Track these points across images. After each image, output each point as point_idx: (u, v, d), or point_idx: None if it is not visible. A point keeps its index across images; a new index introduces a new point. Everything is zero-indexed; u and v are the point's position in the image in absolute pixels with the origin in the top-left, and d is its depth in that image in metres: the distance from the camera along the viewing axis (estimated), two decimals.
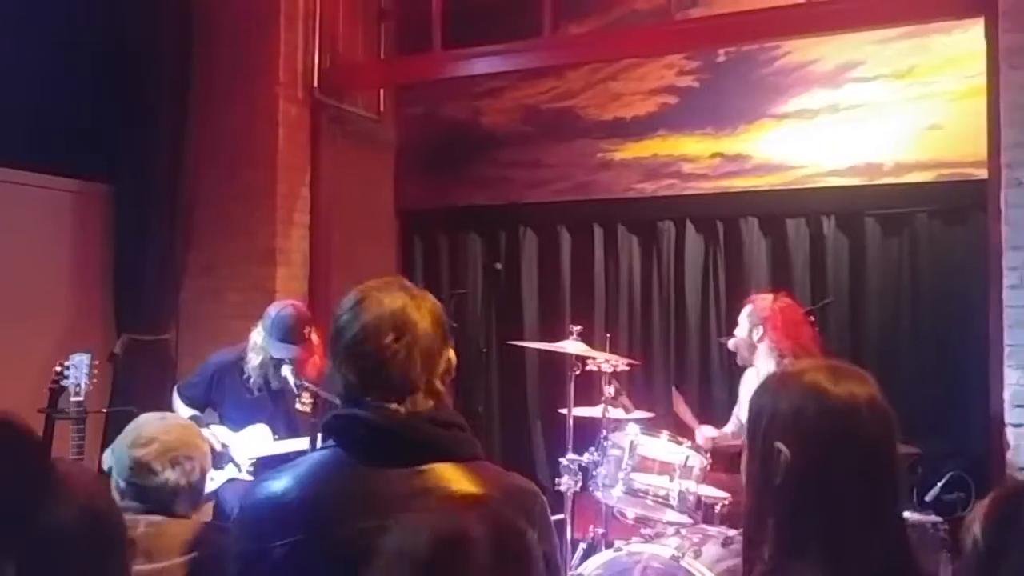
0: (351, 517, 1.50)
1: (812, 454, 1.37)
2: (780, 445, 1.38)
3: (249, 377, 3.87)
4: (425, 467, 1.54)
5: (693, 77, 5.61)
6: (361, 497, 1.51)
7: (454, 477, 1.55)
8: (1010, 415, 3.83)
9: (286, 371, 3.70)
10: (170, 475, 2.08)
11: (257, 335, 3.86)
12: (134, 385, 5.02)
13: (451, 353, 1.65)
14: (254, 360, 3.84)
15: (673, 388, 4.74)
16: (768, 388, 1.48)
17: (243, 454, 3.89)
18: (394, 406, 1.55)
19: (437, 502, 1.51)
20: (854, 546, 1.33)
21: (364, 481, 1.52)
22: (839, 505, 1.34)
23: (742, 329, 4.07)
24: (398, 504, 1.50)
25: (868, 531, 1.34)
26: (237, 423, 3.92)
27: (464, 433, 1.62)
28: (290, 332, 3.76)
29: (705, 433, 4.15)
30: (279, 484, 1.55)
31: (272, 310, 3.88)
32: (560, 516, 3.77)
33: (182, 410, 3.96)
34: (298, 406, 3.77)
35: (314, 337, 3.84)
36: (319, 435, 2.74)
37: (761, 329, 3.98)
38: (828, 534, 1.34)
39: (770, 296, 4.16)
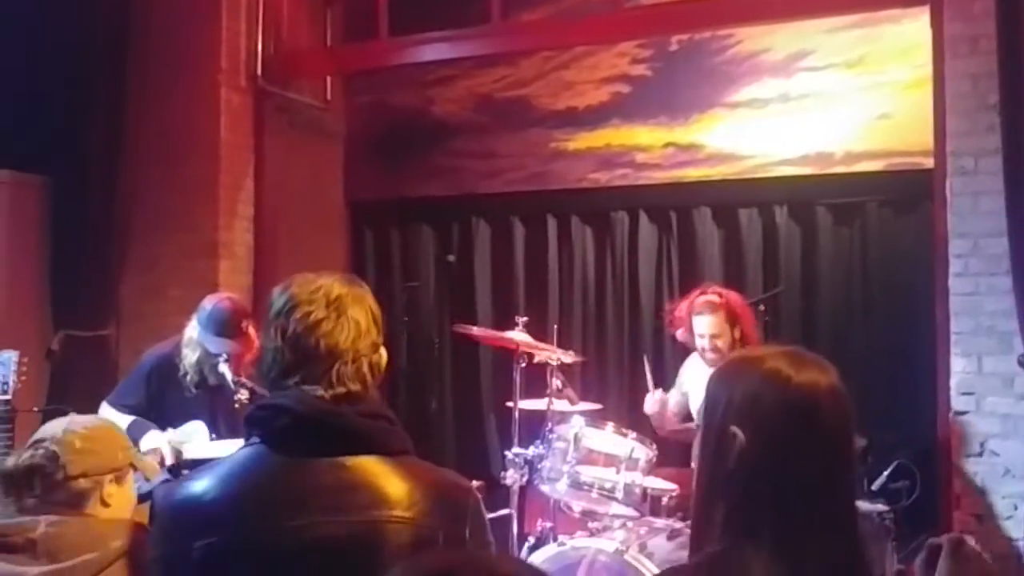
0: (274, 515, 1.46)
1: (769, 441, 1.34)
2: (735, 429, 1.35)
3: (185, 374, 3.73)
4: (351, 460, 1.49)
5: (646, 66, 5.56)
6: (285, 493, 1.47)
7: (381, 473, 1.50)
8: (956, 403, 3.83)
9: (223, 367, 3.58)
10: (69, 472, 1.96)
11: (192, 329, 3.70)
12: (72, 383, 4.88)
13: (383, 351, 1.62)
14: (190, 356, 3.67)
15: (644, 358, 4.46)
16: (727, 372, 1.45)
17: (184, 455, 3.73)
18: (319, 391, 1.51)
19: (364, 503, 1.47)
20: (805, 535, 1.31)
21: (288, 476, 1.48)
22: (792, 494, 1.32)
23: (727, 335, 3.83)
24: (325, 501, 1.46)
25: (820, 521, 1.32)
26: (174, 423, 3.78)
27: (393, 427, 1.57)
28: (225, 326, 3.60)
29: (657, 396, 4.07)
30: (199, 484, 1.52)
31: (207, 303, 3.71)
32: (507, 511, 3.71)
33: (119, 419, 3.76)
34: (237, 404, 3.64)
35: (251, 331, 3.71)
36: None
37: (738, 328, 3.89)
38: (780, 522, 1.32)
39: (727, 292, 4.07)
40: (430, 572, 1.04)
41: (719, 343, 3.86)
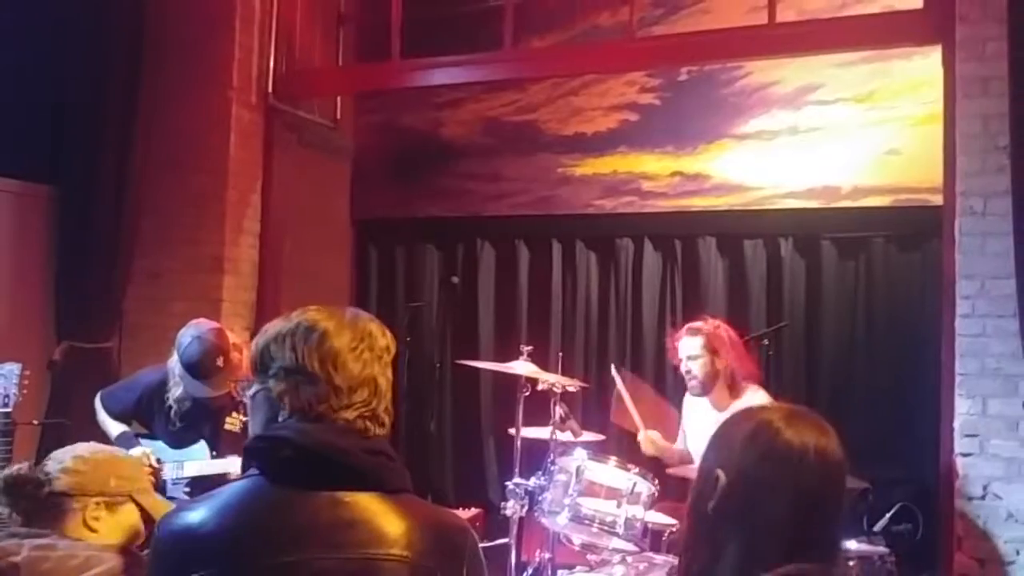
0: (270, 549, 1.45)
1: (745, 487, 1.41)
2: (719, 472, 1.42)
3: (172, 407, 3.53)
4: (350, 496, 1.49)
5: (654, 95, 5.58)
6: (281, 528, 1.47)
7: (379, 511, 1.50)
8: (959, 444, 3.81)
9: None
10: (53, 488, 1.96)
11: (175, 362, 3.51)
12: (73, 395, 4.83)
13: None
14: (175, 391, 3.51)
15: (613, 368, 4.30)
16: (728, 421, 1.53)
17: (183, 471, 3.67)
18: (351, 415, 1.53)
19: (361, 540, 1.46)
20: None
21: (285, 510, 1.48)
22: (760, 541, 1.38)
23: (704, 361, 3.86)
24: (321, 537, 1.46)
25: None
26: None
27: (393, 463, 1.57)
28: (198, 368, 3.40)
29: (651, 436, 4.00)
30: (196, 515, 1.50)
31: (180, 339, 3.48)
32: (505, 540, 3.68)
33: (110, 424, 3.71)
34: (227, 426, 3.57)
35: (233, 361, 3.45)
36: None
37: (720, 358, 3.88)
38: (744, 566, 1.36)
39: (714, 322, 4.06)
40: None
41: (693, 367, 3.87)
